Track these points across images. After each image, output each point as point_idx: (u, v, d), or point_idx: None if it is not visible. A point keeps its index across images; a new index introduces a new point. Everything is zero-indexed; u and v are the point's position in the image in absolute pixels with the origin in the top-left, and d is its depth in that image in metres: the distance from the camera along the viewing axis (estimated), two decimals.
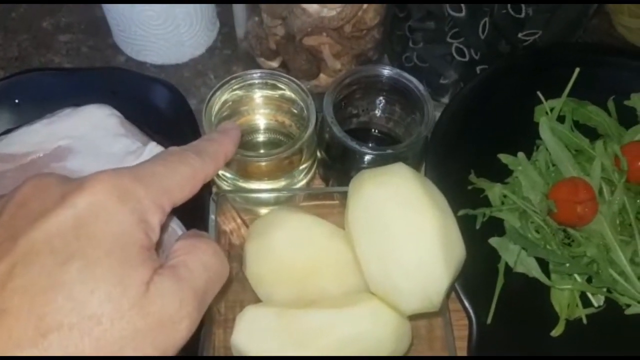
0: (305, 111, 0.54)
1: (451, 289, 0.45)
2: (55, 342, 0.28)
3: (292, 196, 0.56)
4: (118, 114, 0.59)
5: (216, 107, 0.54)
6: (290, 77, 0.55)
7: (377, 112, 0.61)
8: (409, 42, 0.69)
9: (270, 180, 0.55)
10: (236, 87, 0.55)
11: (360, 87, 0.58)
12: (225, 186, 0.56)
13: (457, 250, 0.44)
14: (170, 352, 0.32)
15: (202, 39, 0.74)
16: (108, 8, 0.70)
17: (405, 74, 0.56)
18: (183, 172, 0.35)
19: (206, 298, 0.34)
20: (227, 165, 0.54)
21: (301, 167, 0.55)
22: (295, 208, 0.51)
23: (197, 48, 0.75)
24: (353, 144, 0.51)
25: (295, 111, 0.57)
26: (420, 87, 0.55)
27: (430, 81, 0.70)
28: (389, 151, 0.51)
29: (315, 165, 0.58)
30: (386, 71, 0.55)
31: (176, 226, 0.55)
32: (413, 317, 0.47)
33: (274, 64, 0.68)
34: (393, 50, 0.73)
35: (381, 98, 0.59)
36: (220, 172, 0.55)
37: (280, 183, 0.56)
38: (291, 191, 0.55)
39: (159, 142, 0.57)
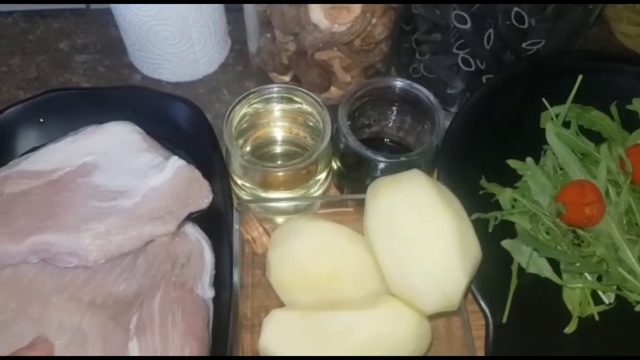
0: (320, 123, 0.56)
1: (468, 289, 0.47)
2: None
3: (310, 205, 0.58)
4: (139, 130, 0.62)
5: (236, 121, 0.56)
6: (305, 90, 0.57)
7: (389, 122, 0.63)
8: (416, 54, 0.71)
9: (288, 190, 0.57)
10: (254, 101, 0.58)
11: (372, 99, 0.60)
12: (245, 196, 0.58)
13: (473, 251, 0.46)
14: None
15: (215, 56, 0.77)
16: (124, 29, 0.72)
17: (416, 85, 0.58)
18: None
19: None
20: (247, 176, 0.57)
21: (317, 177, 0.57)
22: (313, 216, 0.54)
23: (210, 65, 0.77)
24: (368, 152, 0.54)
25: (310, 123, 0.60)
26: (431, 96, 0.57)
27: (438, 91, 0.72)
28: (402, 159, 0.54)
29: (330, 175, 0.60)
30: (398, 82, 0.58)
31: (200, 237, 0.57)
32: (432, 318, 0.49)
33: (286, 78, 0.70)
34: (400, 62, 0.75)
35: (393, 108, 0.62)
36: (240, 183, 0.57)
37: (298, 192, 0.58)
38: (310, 199, 0.57)
39: (180, 157, 0.60)
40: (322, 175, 0.58)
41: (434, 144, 0.56)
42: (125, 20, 0.70)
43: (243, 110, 0.57)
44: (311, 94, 0.57)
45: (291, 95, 0.58)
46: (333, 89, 0.70)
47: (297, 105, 0.58)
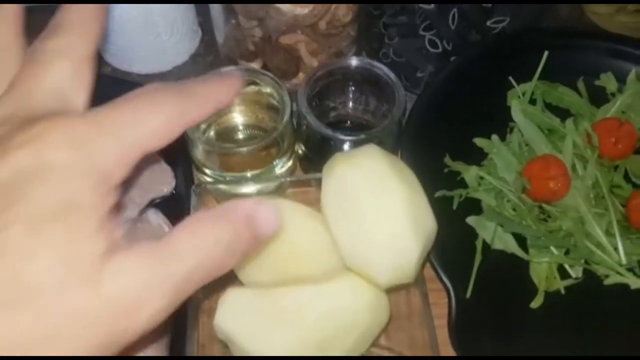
0: (280, 103, 0.56)
1: (425, 260, 0.47)
2: None
3: (277, 188, 0.58)
4: None
5: None
6: (264, 71, 0.57)
7: (354, 104, 0.63)
8: (385, 38, 0.71)
9: (250, 172, 0.56)
10: None
11: (335, 80, 0.60)
12: (206, 179, 0.58)
13: (427, 222, 0.45)
14: (124, 342, 0.27)
15: (185, 47, 0.77)
16: None
17: (375, 63, 0.57)
18: (155, 120, 0.29)
19: (186, 287, 0.29)
20: (209, 160, 0.56)
21: (280, 159, 0.57)
22: (273, 195, 0.53)
23: (180, 56, 0.77)
24: (328, 131, 0.53)
25: (272, 105, 0.59)
26: (391, 74, 0.56)
27: (408, 75, 0.72)
28: (362, 136, 0.53)
29: (292, 158, 0.59)
30: (354, 62, 0.57)
31: (162, 222, 0.57)
32: (393, 292, 0.48)
33: (255, 65, 0.70)
34: (371, 47, 0.75)
35: (355, 89, 0.61)
36: (203, 167, 0.57)
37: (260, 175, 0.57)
38: (268, 179, 0.56)
39: None
40: (285, 157, 0.58)
41: (396, 120, 0.55)
42: None
43: None
44: (269, 73, 0.57)
45: (252, 77, 0.57)
46: (302, 75, 0.70)
47: (257, 88, 0.58)
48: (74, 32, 0.33)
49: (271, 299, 0.45)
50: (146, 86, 0.31)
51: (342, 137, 0.53)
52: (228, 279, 0.51)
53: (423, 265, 0.47)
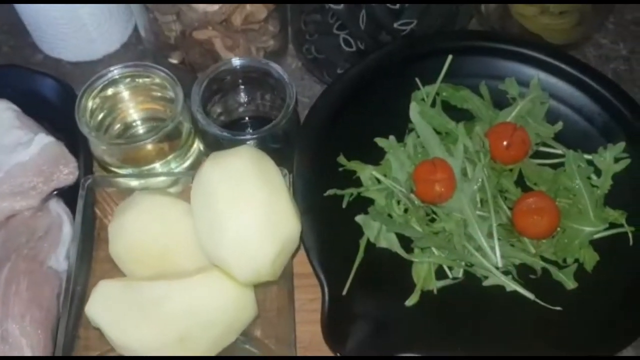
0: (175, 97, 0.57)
1: (288, 260, 0.48)
2: None
3: (174, 183, 0.59)
4: (15, 108, 0.63)
5: (87, 113, 0.58)
6: (158, 66, 0.58)
7: (259, 101, 0.64)
8: (306, 35, 0.72)
9: (146, 165, 0.58)
10: (102, 86, 0.59)
11: (237, 78, 0.61)
12: (106, 172, 0.59)
13: (288, 225, 0.47)
14: None
15: (115, 36, 0.78)
16: (20, 9, 0.73)
17: (269, 62, 0.59)
18: None
19: None
20: (106, 154, 0.58)
21: (174, 154, 0.59)
22: (158, 190, 0.55)
23: (110, 45, 0.78)
24: (215, 130, 0.55)
25: (169, 98, 0.60)
26: (280, 70, 0.58)
27: (329, 71, 0.73)
28: (247, 136, 0.55)
29: (190, 153, 0.61)
30: (240, 62, 0.59)
31: (62, 211, 0.59)
32: (265, 287, 0.50)
33: (175, 60, 0.71)
34: (297, 42, 0.76)
35: (253, 88, 0.63)
36: (101, 160, 0.59)
37: (165, 168, 0.59)
38: (146, 176, 0.58)
39: (53, 133, 0.61)
40: (179, 152, 0.59)
41: (287, 119, 0.57)
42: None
43: (89, 103, 0.58)
44: (162, 68, 0.58)
45: (145, 72, 0.59)
46: None
47: (150, 81, 0.59)
48: None
49: (136, 290, 0.47)
50: None
51: (229, 136, 0.54)
52: (115, 272, 0.53)
53: (290, 264, 0.49)
